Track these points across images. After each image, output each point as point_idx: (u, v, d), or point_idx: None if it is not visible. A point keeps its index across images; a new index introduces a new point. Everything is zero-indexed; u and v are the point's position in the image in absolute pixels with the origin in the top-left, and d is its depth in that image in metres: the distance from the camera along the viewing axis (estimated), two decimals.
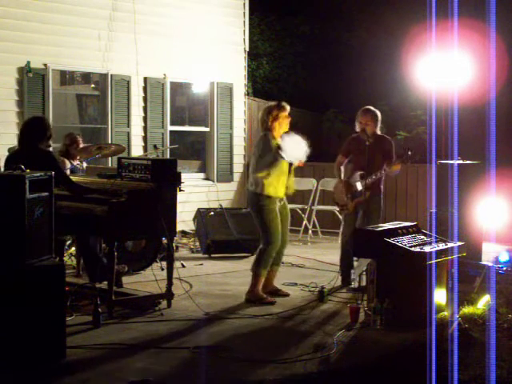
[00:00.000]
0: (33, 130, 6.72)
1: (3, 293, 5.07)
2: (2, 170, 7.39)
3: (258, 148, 7.20)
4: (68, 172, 8.27)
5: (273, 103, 7.38)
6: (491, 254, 8.65)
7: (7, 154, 8.98)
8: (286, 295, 7.44)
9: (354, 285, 7.57)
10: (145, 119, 11.70)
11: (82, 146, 8.77)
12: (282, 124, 7.25)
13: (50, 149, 6.90)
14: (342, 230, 8.42)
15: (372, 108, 7.98)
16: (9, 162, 6.59)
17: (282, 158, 7.08)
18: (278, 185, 7.21)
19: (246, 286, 7.30)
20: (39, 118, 7.21)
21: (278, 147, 7.09)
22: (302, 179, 12.20)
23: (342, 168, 8.02)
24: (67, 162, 8.58)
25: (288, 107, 7.32)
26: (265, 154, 7.12)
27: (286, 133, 7.19)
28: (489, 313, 6.31)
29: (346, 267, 7.81)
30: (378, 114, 7.94)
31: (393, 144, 8.00)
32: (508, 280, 7.75)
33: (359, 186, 7.77)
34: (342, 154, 8.04)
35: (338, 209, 11.07)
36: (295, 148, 7.10)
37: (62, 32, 10.78)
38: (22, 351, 5.08)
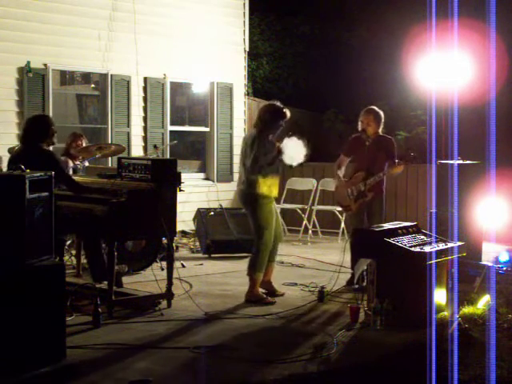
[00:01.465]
0: (36, 128, 6.73)
1: (3, 293, 5.07)
2: (5, 170, 7.39)
3: (254, 148, 7.12)
4: (70, 171, 8.28)
5: (279, 107, 7.31)
6: (491, 253, 8.65)
7: (7, 153, 9.02)
8: (281, 295, 7.44)
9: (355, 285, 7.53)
10: (145, 119, 11.70)
11: (84, 145, 8.77)
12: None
13: (51, 148, 6.88)
14: (348, 231, 8.39)
15: (375, 108, 7.97)
16: (12, 162, 6.59)
17: (281, 161, 7.08)
18: (272, 184, 7.19)
19: (245, 286, 7.30)
20: (42, 116, 7.18)
21: (279, 150, 7.07)
22: (302, 179, 12.22)
23: (343, 168, 8.01)
24: (70, 161, 8.58)
25: None
26: (261, 154, 7.09)
27: (288, 135, 7.17)
28: (489, 313, 6.31)
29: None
30: (381, 114, 7.94)
31: (395, 144, 8.01)
32: (508, 280, 7.75)
33: (362, 186, 7.77)
34: (343, 154, 8.03)
35: (338, 209, 11.14)
36: (295, 151, 7.10)
37: (62, 32, 10.78)
38: (22, 351, 5.08)
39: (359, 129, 7.95)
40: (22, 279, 5.10)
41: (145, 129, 11.70)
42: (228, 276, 8.54)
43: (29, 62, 10.38)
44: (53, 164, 6.38)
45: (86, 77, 12.41)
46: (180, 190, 6.95)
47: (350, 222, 8.09)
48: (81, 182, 7.00)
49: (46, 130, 6.70)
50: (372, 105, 8.16)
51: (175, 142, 11.46)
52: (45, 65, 10.62)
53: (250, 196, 7.22)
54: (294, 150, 7.09)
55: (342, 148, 8.12)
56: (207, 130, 12.62)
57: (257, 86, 15.60)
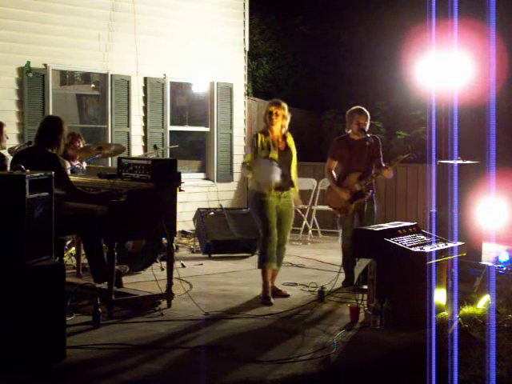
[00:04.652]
0: (45, 132, 6.70)
1: (3, 293, 5.07)
2: (8, 168, 7.38)
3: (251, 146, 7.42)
4: (68, 172, 8.27)
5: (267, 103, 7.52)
6: (491, 254, 8.65)
7: (7, 153, 9.02)
8: (286, 296, 7.43)
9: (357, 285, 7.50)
10: (145, 119, 11.70)
11: (82, 146, 8.76)
12: (272, 119, 7.25)
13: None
14: (341, 233, 8.35)
15: (363, 107, 7.96)
16: (14, 162, 6.59)
17: (245, 171, 7.19)
18: (265, 180, 7.22)
19: (246, 286, 7.31)
20: (54, 120, 6.97)
21: (249, 165, 7.16)
22: (302, 179, 12.19)
23: (334, 172, 7.94)
24: (67, 162, 8.56)
25: (278, 103, 7.32)
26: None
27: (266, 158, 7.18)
28: (489, 313, 6.31)
29: (351, 269, 7.65)
30: None
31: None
32: (508, 280, 7.75)
33: (358, 187, 7.72)
34: (332, 159, 7.91)
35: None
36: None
37: (62, 32, 10.78)
38: (22, 351, 5.08)
39: (350, 131, 7.88)
40: (22, 279, 5.10)
41: (145, 129, 11.70)
42: (228, 276, 8.54)
43: (29, 62, 10.38)
44: (55, 167, 6.35)
45: (86, 77, 12.41)
46: (180, 190, 6.96)
47: (344, 225, 7.94)
48: (80, 182, 7.00)
49: (55, 136, 6.65)
50: (372, 105, 8.15)
51: (176, 146, 11.44)
52: (45, 65, 10.61)
53: (249, 191, 7.33)
54: (264, 173, 7.12)
55: (330, 152, 7.97)
56: (207, 129, 12.62)
57: (257, 86, 15.61)
